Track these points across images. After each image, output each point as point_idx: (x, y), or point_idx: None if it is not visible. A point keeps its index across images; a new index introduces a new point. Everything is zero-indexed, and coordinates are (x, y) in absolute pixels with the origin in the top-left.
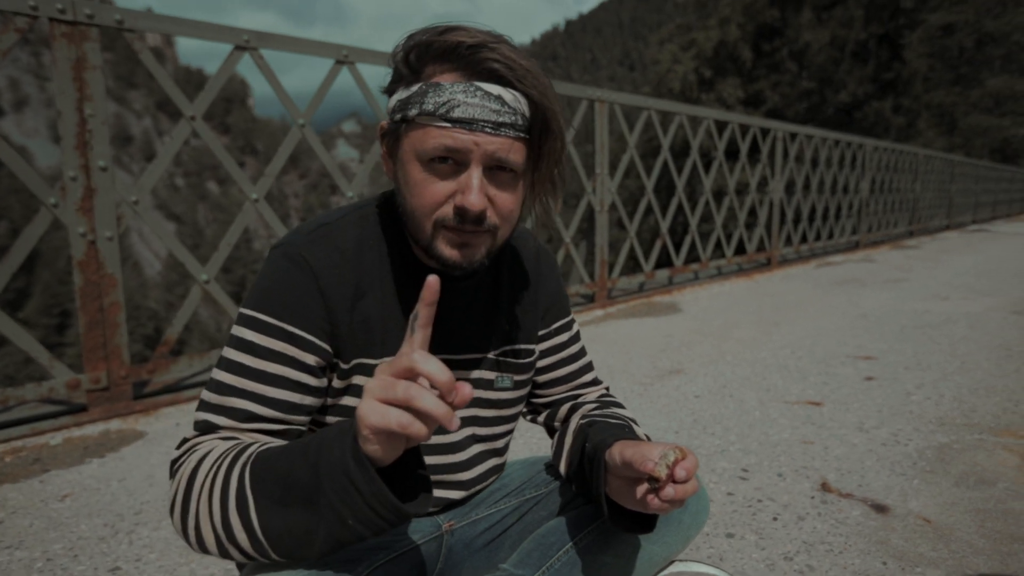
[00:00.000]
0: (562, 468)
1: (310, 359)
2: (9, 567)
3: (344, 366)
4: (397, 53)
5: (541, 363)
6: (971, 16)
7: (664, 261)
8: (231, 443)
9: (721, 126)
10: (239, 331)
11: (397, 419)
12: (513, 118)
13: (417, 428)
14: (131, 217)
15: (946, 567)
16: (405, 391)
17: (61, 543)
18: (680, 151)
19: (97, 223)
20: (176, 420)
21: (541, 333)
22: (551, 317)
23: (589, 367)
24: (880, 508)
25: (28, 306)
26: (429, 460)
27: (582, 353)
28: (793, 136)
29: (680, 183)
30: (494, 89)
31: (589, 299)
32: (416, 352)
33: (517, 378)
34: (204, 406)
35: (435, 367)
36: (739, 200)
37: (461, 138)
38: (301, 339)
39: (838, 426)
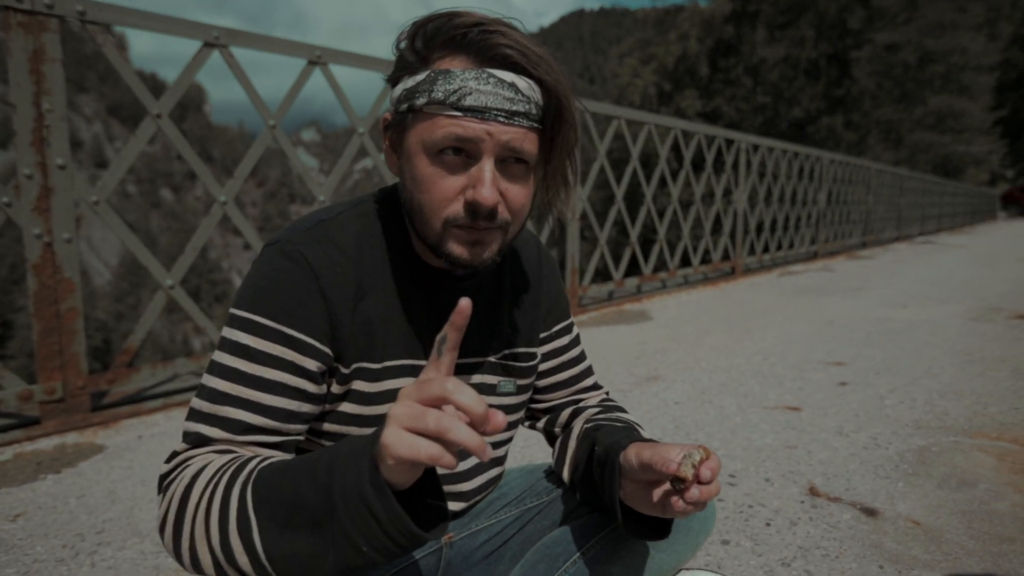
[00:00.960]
0: (565, 475)
1: (311, 364)
2: None
3: (344, 370)
4: (402, 40)
5: (542, 367)
6: (914, 35)
7: (632, 270)
8: (227, 457)
9: (688, 136)
10: (233, 334)
11: (428, 451)
12: (527, 107)
13: (448, 460)
14: (89, 220)
15: (941, 569)
16: (437, 423)
17: (14, 567)
18: (647, 161)
19: (54, 224)
20: (138, 432)
21: (542, 336)
22: (552, 319)
23: (589, 371)
24: (869, 511)
25: None
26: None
27: (583, 357)
28: (755, 147)
29: (648, 192)
30: (507, 76)
31: None
32: (449, 381)
33: (520, 382)
34: (195, 416)
35: (470, 398)
36: (705, 210)
37: (473, 127)
38: (301, 343)
39: (818, 430)
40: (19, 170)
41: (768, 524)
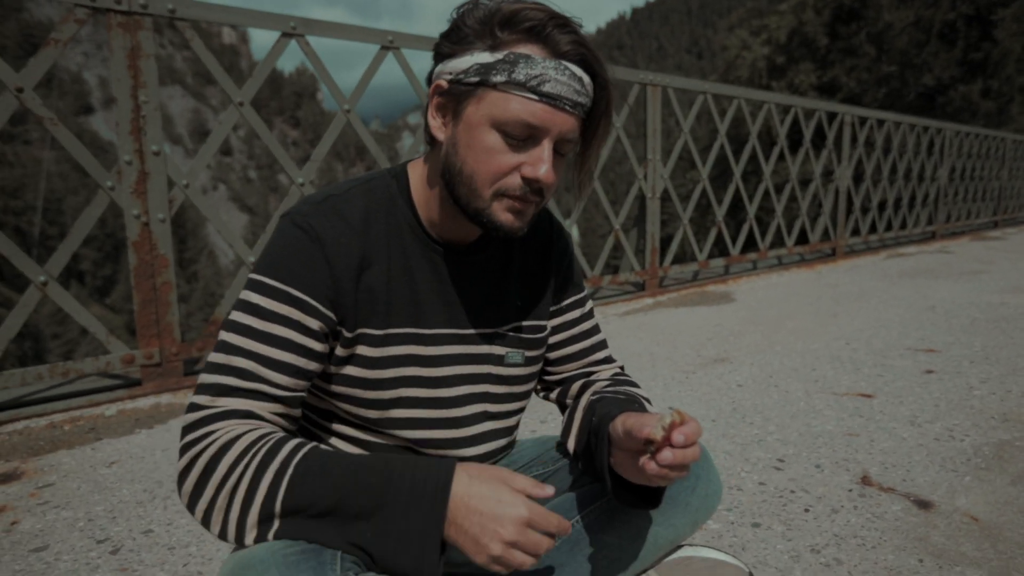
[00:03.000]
0: (570, 445)
1: (314, 324)
2: (54, 525)
3: (348, 335)
4: (467, 15)
5: (552, 339)
6: None
7: (720, 250)
8: (255, 436)
9: (784, 110)
10: (246, 295)
11: (515, 559)
12: (586, 99)
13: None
14: (191, 195)
15: (990, 568)
16: (536, 547)
17: (103, 505)
18: (740, 137)
19: (150, 205)
20: None
21: (552, 309)
22: (563, 293)
23: (602, 345)
24: (923, 504)
25: (114, 293)
26: (436, 435)
27: (595, 331)
28: (863, 121)
29: (738, 170)
30: (578, 71)
31: (639, 287)
32: (558, 521)
33: (528, 354)
34: (211, 368)
35: (565, 528)
36: (802, 188)
37: (544, 116)
38: (306, 304)
39: (888, 419)
40: (120, 157)
41: (807, 510)
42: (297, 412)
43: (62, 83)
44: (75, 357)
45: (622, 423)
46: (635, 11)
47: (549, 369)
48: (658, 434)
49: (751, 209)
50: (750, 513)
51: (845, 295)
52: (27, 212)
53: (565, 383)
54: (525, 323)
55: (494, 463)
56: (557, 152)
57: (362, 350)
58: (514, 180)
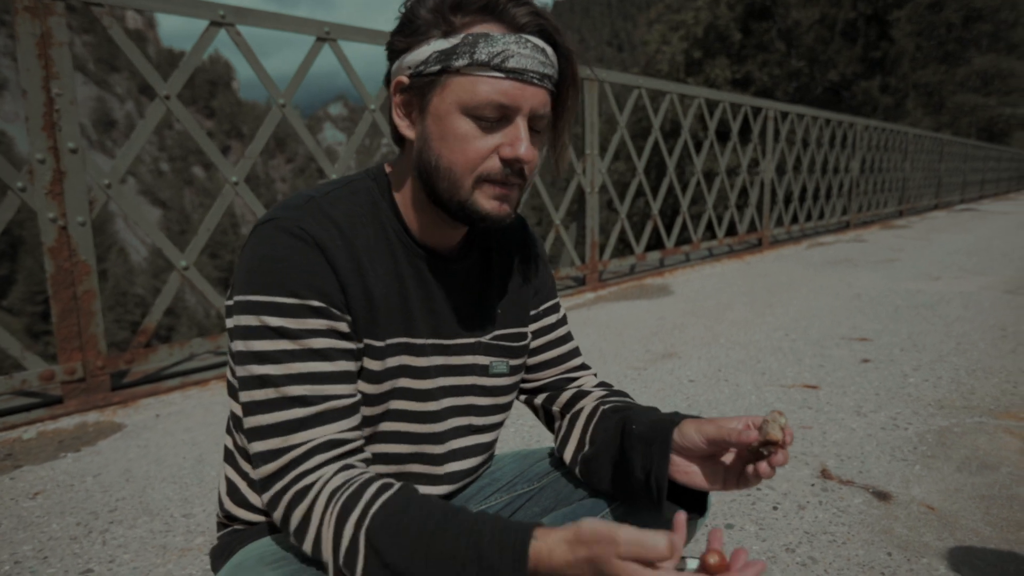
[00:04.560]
0: (568, 455)
1: (343, 326)
2: None
3: (359, 345)
4: (416, 6)
5: (532, 344)
6: None
7: (655, 243)
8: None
9: (712, 105)
10: (262, 320)
11: None
12: (552, 71)
13: None
14: (113, 202)
15: (952, 557)
16: None
17: (30, 544)
18: (671, 131)
19: (68, 208)
20: (156, 411)
21: (532, 313)
22: (540, 298)
23: (578, 351)
24: (882, 495)
25: (12, 294)
26: (415, 450)
27: (570, 336)
28: (784, 115)
29: (671, 164)
30: (540, 42)
31: (580, 282)
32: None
33: (512, 362)
34: (264, 407)
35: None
36: (730, 181)
37: (513, 92)
38: (327, 311)
39: (836, 410)
40: (31, 155)
41: (775, 508)
42: (362, 418)
43: None
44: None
45: (697, 430)
46: (556, 4)
47: (527, 376)
48: (779, 435)
49: (684, 202)
50: (722, 514)
51: (776, 285)
52: None
53: (547, 389)
54: (507, 331)
55: (476, 479)
56: (532, 129)
57: (366, 363)
58: (494, 164)
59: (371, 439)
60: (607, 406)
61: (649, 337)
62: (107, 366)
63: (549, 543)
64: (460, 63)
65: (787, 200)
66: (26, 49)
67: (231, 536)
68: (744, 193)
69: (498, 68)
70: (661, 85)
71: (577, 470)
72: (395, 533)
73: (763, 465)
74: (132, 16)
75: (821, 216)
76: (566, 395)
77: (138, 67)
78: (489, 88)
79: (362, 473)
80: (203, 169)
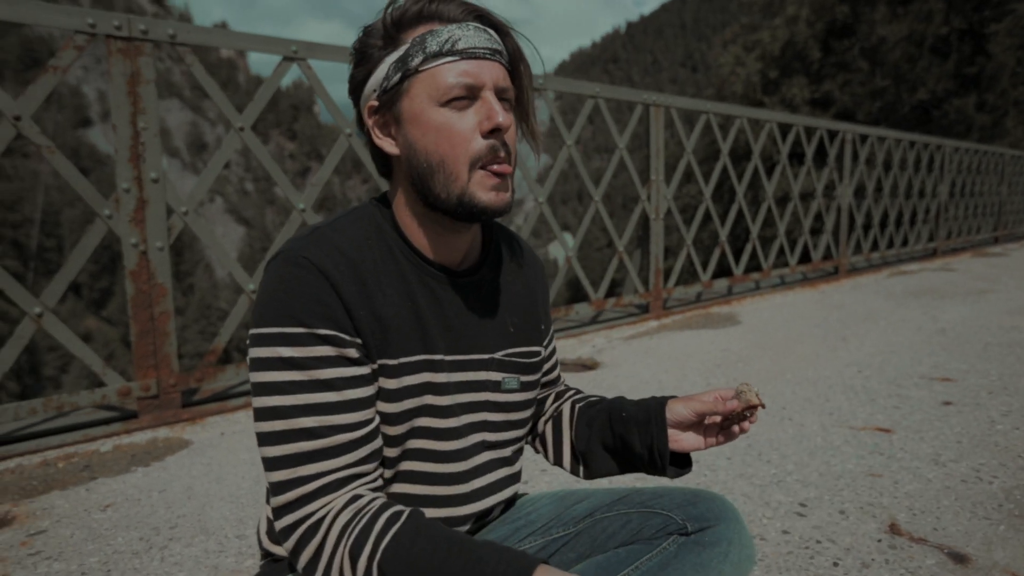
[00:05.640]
0: (566, 457)
1: (353, 352)
2: None
3: (373, 366)
4: (362, 42)
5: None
6: None
7: (723, 270)
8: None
9: (785, 129)
10: (271, 351)
11: None
12: (500, 47)
13: None
14: (187, 223)
15: None
16: None
17: (97, 556)
18: (741, 155)
19: (148, 234)
20: (221, 429)
21: (542, 328)
22: (547, 319)
23: (557, 362)
24: (959, 558)
25: (111, 304)
26: (433, 469)
27: (555, 351)
28: (864, 138)
29: (740, 188)
30: (479, 24)
31: (643, 309)
32: None
33: (524, 378)
34: (274, 438)
35: None
36: (804, 206)
37: (473, 70)
38: (336, 338)
39: (910, 457)
40: (118, 184)
41: (836, 564)
42: (380, 441)
43: (61, 97)
44: (70, 371)
45: (684, 406)
46: (630, 25)
47: None
48: (756, 400)
49: (754, 228)
50: (776, 568)
51: (851, 316)
52: (25, 225)
53: (539, 403)
54: (521, 349)
55: (499, 501)
56: (501, 99)
57: (382, 382)
58: (479, 144)
59: (398, 457)
60: (582, 403)
61: (712, 370)
62: (179, 384)
63: None
64: (416, 61)
65: (867, 226)
66: (118, 87)
67: (269, 567)
68: (819, 218)
69: (451, 52)
70: (730, 110)
71: (581, 471)
72: (406, 566)
73: (744, 424)
74: (190, 58)
75: (904, 243)
76: (545, 404)
77: (215, 101)
78: (449, 72)
79: (371, 503)
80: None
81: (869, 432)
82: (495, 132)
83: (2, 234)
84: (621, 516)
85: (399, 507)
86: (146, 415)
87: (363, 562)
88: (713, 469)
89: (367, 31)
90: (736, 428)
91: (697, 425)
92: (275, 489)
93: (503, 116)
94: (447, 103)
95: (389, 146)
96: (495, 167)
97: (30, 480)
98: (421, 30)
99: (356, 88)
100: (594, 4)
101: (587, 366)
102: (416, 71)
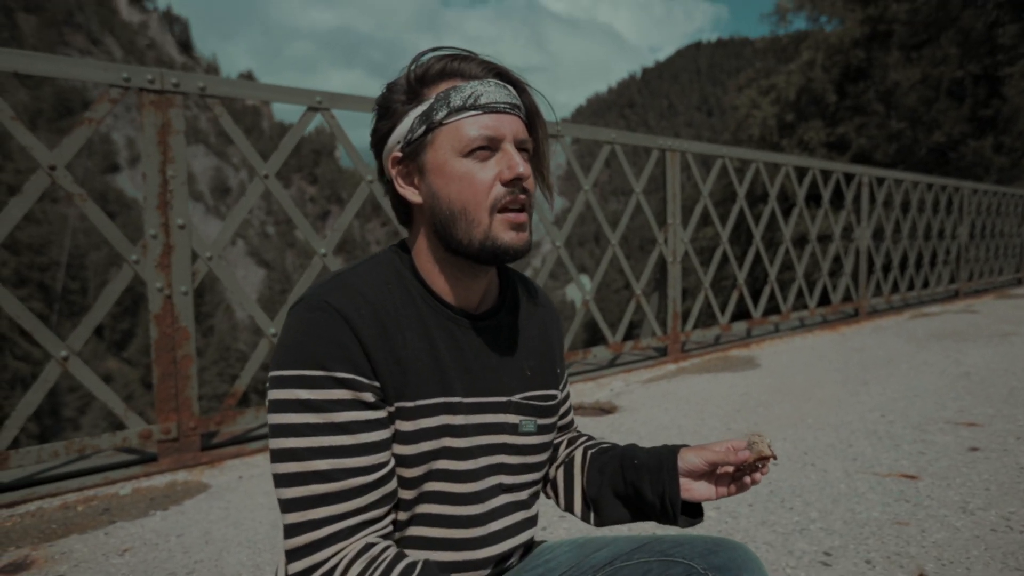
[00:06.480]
0: (577, 504)
1: (369, 396)
2: None
3: (390, 408)
4: (386, 97)
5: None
6: None
7: (742, 313)
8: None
9: (801, 172)
10: (288, 393)
11: None
12: (518, 101)
13: None
14: (211, 268)
15: None
16: None
17: None
18: (758, 198)
19: (173, 278)
20: (239, 473)
21: (557, 371)
22: (561, 363)
23: (571, 408)
24: None
25: (131, 346)
26: (450, 511)
27: (568, 396)
28: (880, 181)
29: (758, 231)
30: (499, 81)
31: (661, 352)
32: None
33: (540, 422)
34: (289, 480)
35: None
36: (822, 248)
37: (494, 123)
38: (353, 381)
39: (937, 505)
40: (146, 231)
41: None
42: (394, 485)
43: (91, 144)
44: (89, 412)
45: (696, 455)
46: (645, 71)
47: None
48: (768, 451)
49: (772, 270)
50: None
51: (873, 360)
52: (51, 268)
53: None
54: (538, 392)
55: (516, 545)
56: (520, 149)
57: (399, 425)
58: (500, 191)
59: (415, 500)
60: (594, 449)
61: (732, 414)
62: (199, 427)
63: None
64: (440, 115)
65: (886, 268)
66: (148, 138)
67: None
68: (838, 260)
69: (474, 107)
70: (745, 154)
71: (592, 517)
72: None
73: (756, 475)
74: (219, 109)
75: (926, 285)
76: (557, 449)
77: (241, 150)
78: (472, 125)
79: (384, 552)
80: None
81: (894, 479)
82: (515, 181)
83: (29, 277)
84: (641, 565)
85: (413, 558)
86: (165, 458)
87: None
88: (735, 516)
89: (391, 87)
90: (748, 479)
91: (709, 475)
92: (288, 531)
93: (523, 167)
94: (469, 154)
95: (412, 195)
96: (512, 215)
97: (49, 523)
98: (444, 86)
99: (380, 141)
100: (610, 50)
101: (605, 410)
102: (440, 124)
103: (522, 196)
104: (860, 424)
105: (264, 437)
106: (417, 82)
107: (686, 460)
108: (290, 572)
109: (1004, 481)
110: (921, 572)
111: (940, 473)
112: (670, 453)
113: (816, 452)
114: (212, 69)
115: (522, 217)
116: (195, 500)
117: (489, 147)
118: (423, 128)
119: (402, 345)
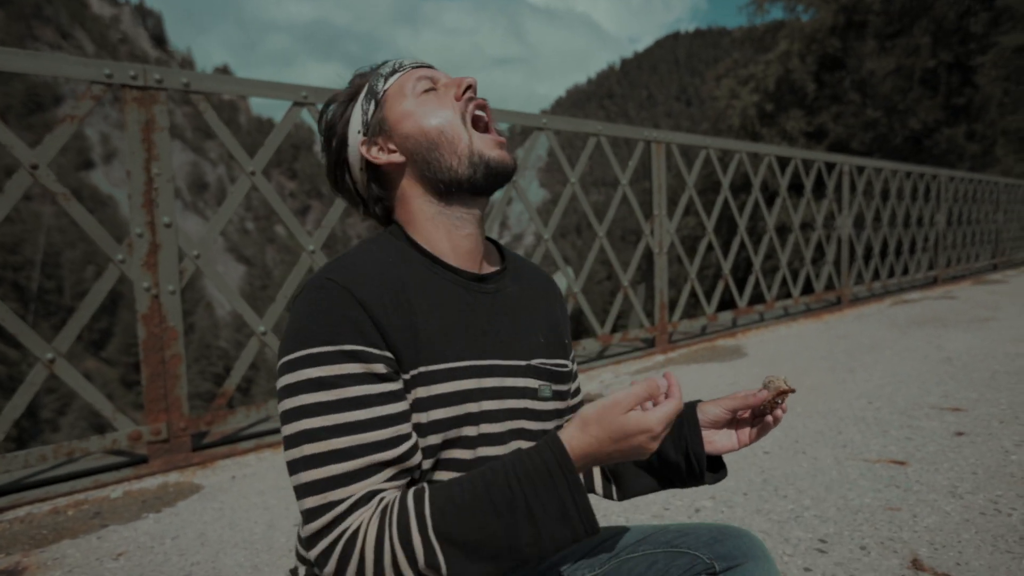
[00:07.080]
0: (596, 475)
1: (381, 368)
2: None
3: (405, 377)
4: (331, 120)
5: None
6: None
7: (727, 302)
8: (380, 524)
9: (784, 162)
10: (300, 373)
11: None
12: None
13: None
14: (201, 271)
15: None
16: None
17: None
18: (741, 188)
19: (160, 278)
20: (232, 473)
21: (566, 343)
22: (568, 336)
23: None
24: None
25: (110, 346)
26: None
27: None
28: (860, 169)
29: (742, 221)
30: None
31: (649, 343)
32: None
33: (556, 387)
34: (305, 463)
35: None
36: (805, 237)
37: (427, 72)
38: (363, 353)
39: (927, 490)
40: (131, 229)
41: None
42: (418, 459)
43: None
44: (68, 413)
45: (715, 406)
46: (624, 61)
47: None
48: (784, 385)
49: (756, 260)
50: None
51: (857, 347)
52: (26, 267)
53: None
54: (551, 361)
55: None
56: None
57: (418, 392)
58: (461, 103)
59: (434, 467)
60: None
61: None
62: (189, 427)
63: (567, 436)
64: (381, 84)
65: (867, 255)
66: (132, 135)
67: None
68: (820, 249)
69: (403, 68)
70: (729, 145)
71: (614, 491)
72: (460, 513)
73: (777, 412)
74: (203, 105)
75: (905, 272)
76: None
77: (228, 147)
78: (410, 78)
79: (392, 497)
80: (284, 228)
81: (884, 465)
82: (468, 89)
83: (3, 276)
84: (647, 557)
85: (416, 487)
86: (156, 459)
87: (418, 542)
88: (731, 505)
89: (328, 124)
90: (770, 418)
91: (729, 423)
92: (307, 516)
93: (465, 77)
94: (420, 94)
95: (394, 157)
96: (493, 135)
97: (40, 529)
98: (370, 77)
99: (338, 160)
100: (589, 41)
101: None
102: (385, 91)
103: (480, 108)
104: (848, 411)
105: (256, 436)
106: (348, 98)
107: (706, 413)
108: (314, 557)
109: (990, 465)
110: (915, 557)
111: (928, 458)
112: (689, 409)
113: (807, 439)
114: (187, 63)
115: (502, 139)
116: (188, 501)
117: (432, 88)
118: (372, 103)
119: (413, 311)
